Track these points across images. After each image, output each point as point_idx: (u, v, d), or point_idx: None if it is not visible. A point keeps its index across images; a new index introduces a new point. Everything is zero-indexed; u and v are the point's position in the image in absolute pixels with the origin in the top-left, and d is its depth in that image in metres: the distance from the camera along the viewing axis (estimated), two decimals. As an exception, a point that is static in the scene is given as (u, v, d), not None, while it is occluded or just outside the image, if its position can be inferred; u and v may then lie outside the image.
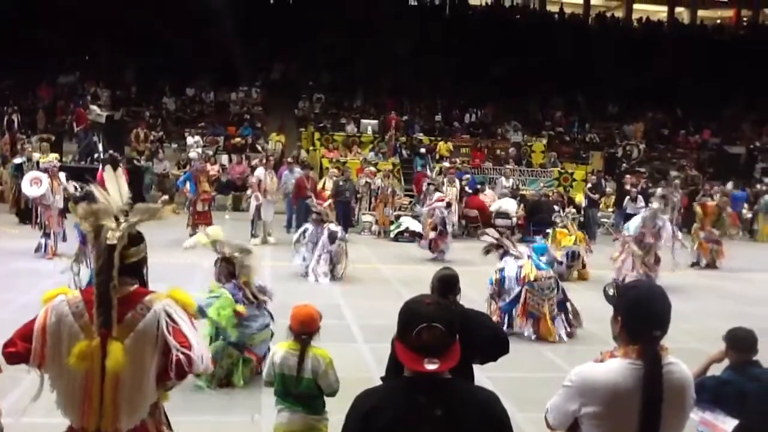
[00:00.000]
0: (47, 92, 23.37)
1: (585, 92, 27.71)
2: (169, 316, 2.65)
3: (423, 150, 20.56)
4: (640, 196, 15.38)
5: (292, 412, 3.91)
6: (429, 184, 14.54)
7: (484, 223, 15.96)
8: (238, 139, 22.00)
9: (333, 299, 8.93)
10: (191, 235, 10.88)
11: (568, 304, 8.00)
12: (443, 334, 2.10)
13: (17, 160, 14.91)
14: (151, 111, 23.64)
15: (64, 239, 10.79)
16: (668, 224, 10.66)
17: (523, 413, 4.84)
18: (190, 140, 20.43)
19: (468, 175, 17.40)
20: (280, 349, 3.98)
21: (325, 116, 24.49)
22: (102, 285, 2.60)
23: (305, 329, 3.92)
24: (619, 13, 36.56)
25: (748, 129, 27.85)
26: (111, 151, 16.36)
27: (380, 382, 2.81)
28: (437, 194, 13.11)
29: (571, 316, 7.94)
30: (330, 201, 12.33)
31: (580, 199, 17.97)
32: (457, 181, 15.63)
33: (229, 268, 5.95)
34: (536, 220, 15.55)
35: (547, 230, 12.23)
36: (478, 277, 8.51)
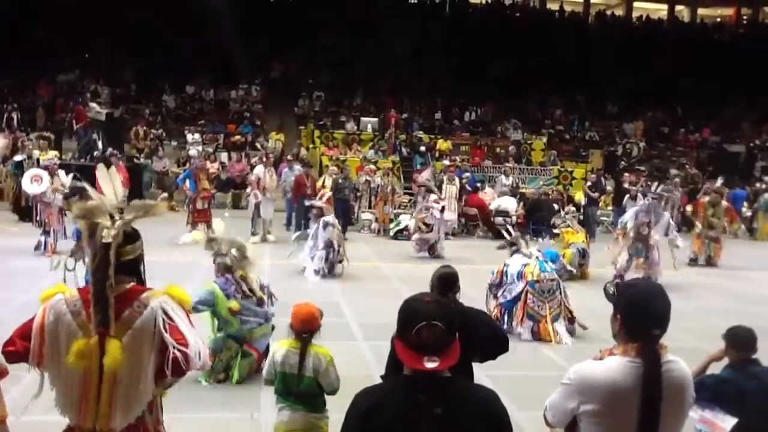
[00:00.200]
0: (47, 90, 23.37)
1: (585, 91, 27.72)
2: (165, 313, 2.65)
3: (423, 148, 20.55)
4: (640, 195, 15.33)
5: (293, 410, 3.91)
6: (421, 185, 14.53)
7: (483, 222, 16.00)
8: (237, 137, 22.00)
9: (332, 297, 8.92)
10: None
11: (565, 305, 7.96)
12: (443, 333, 2.10)
13: (17, 158, 14.92)
14: (150, 108, 23.64)
15: (65, 236, 10.77)
16: (666, 215, 10.60)
17: (523, 411, 4.83)
18: (189, 138, 20.42)
19: (468, 174, 17.45)
20: (281, 347, 3.98)
21: (325, 114, 24.50)
22: (98, 283, 2.60)
23: (306, 327, 3.92)
24: (619, 11, 36.65)
25: (748, 127, 27.87)
26: (111, 149, 16.38)
27: (380, 381, 2.81)
28: (433, 196, 13.08)
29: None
30: (329, 195, 12.38)
31: (579, 197, 17.94)
32: (456, 180, 15.65)
33: (225, 263, 5.96)
34: (536, 218, 15.56)
35: (547, 230, 12.17)
36: (478, 275, 8.51)
